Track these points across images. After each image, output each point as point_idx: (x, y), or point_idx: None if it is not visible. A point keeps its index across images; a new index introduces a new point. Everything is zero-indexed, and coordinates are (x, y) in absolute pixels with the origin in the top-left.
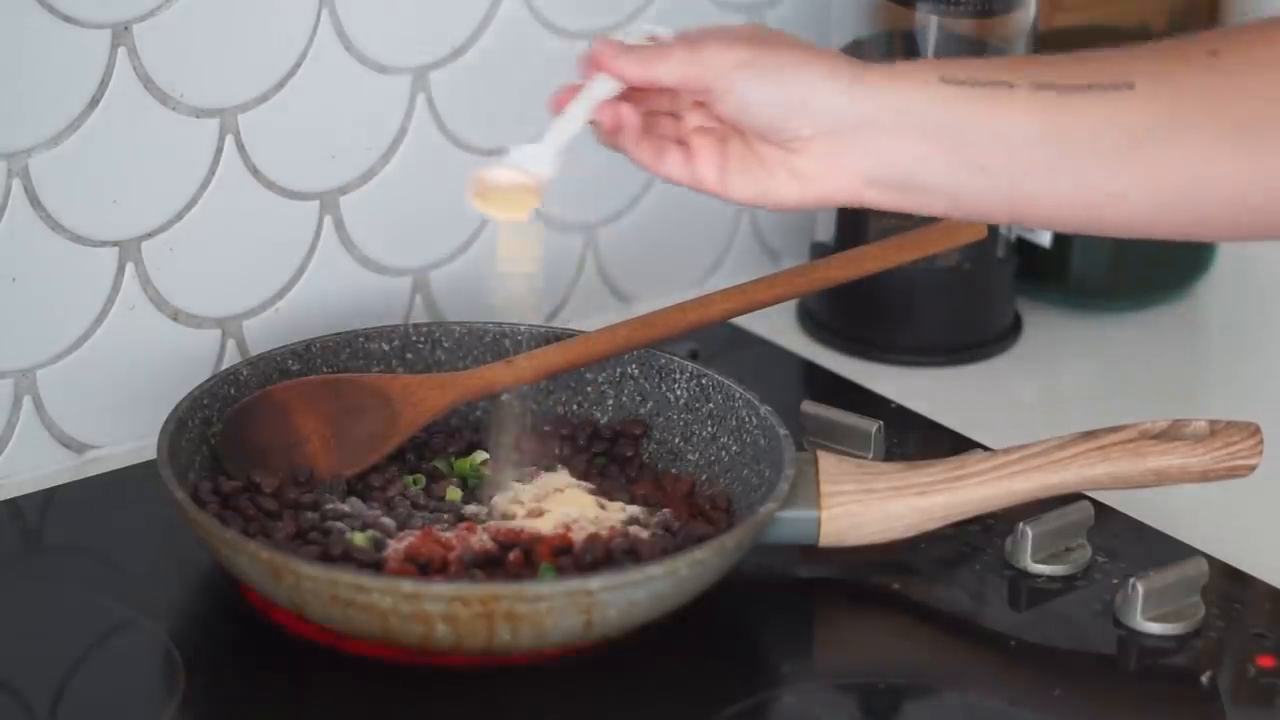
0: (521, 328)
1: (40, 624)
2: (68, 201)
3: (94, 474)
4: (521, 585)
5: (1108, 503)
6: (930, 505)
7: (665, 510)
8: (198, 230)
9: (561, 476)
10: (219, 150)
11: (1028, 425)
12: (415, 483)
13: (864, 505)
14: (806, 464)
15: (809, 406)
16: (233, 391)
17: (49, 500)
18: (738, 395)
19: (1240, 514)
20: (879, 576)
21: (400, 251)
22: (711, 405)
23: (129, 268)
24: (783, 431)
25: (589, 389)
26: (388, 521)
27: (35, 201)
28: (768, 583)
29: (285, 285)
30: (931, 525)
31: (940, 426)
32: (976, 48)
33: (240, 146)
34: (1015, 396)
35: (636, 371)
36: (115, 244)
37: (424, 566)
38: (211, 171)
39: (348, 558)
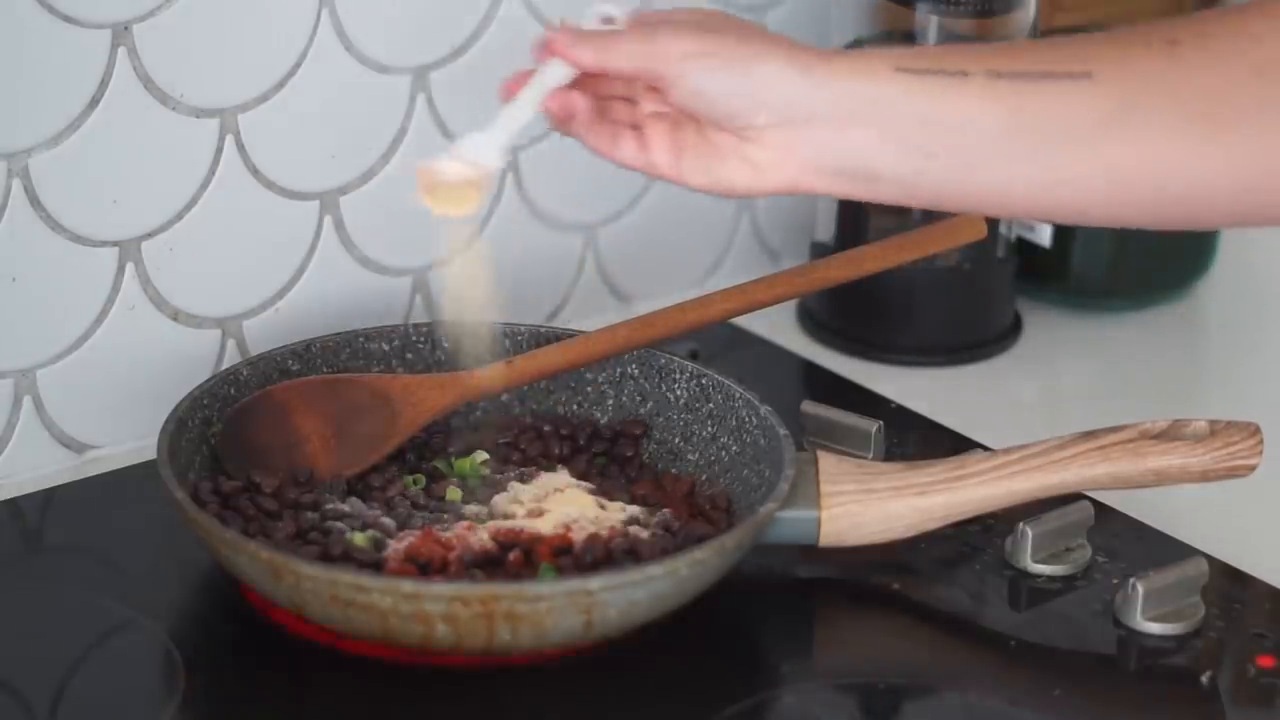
0: (521, 328)
1: (40, 624)
2: (68, 201)
3: (94, 474)
4: (521, 585)
5: (1108, 503)
6: (930, 505)
7: (665, 510)
8: (198, 230)
9: (561, 476)
10: (219, 150)
11: (1028, 425)
12: (415, 483)
13: (864, 505)
14: (806, 464)
15: (809, 406)
16: (233, 391)
17: (49, 500)
18: (738, 395)
19: (1240, 514)
20: (879, 576)
21: (400, 251)
22: (711, 405)
23: (129, 268)
24: (783, 431)
25: (589, 389)
26: (388, 521)
27: (35, 201)
28: (768, 583)
29: (285, 285)
30: (931, 525)
31: (940, 426)
32: None
33: (240, 146)
34: (1015, 396)
35: (636, 371)
36: (115, 244)
37: (424, 566)
38: (211, 171)
39: (348, 558)
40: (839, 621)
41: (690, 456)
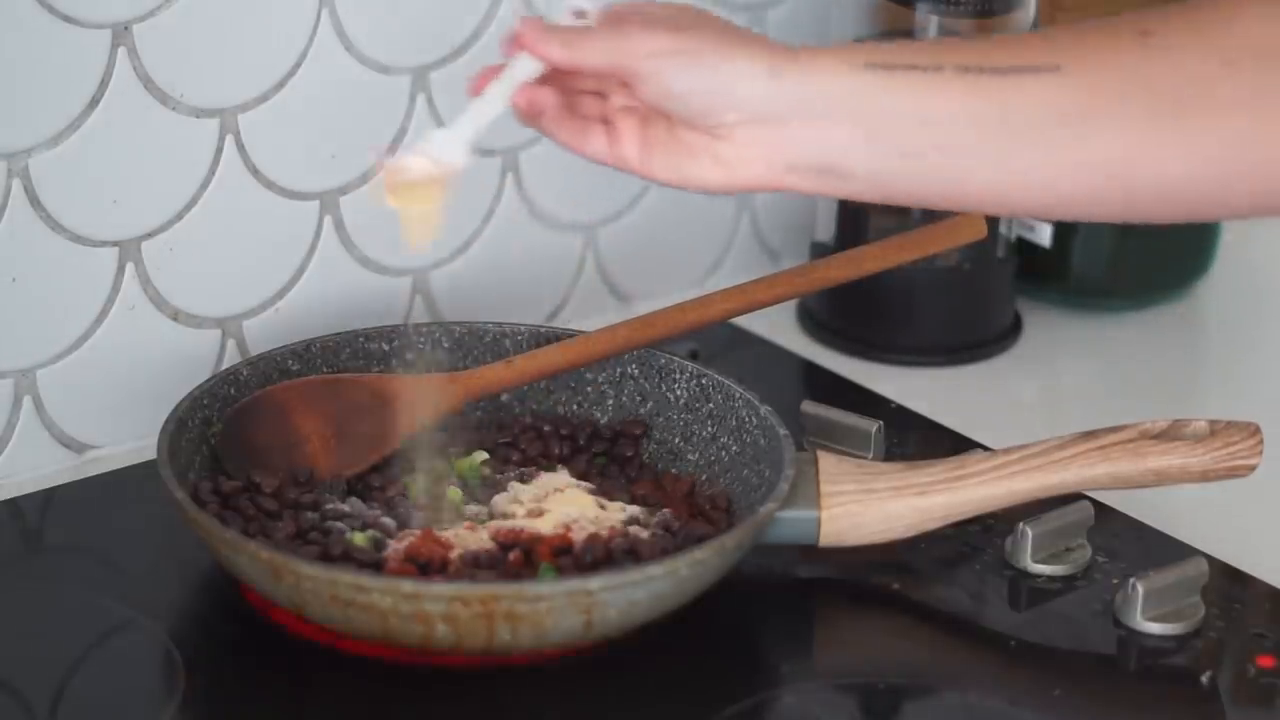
0: (521, 328)
1: (40, 624)
2: (68, 201)
3: (94, 474)
4: (521, 585)
5: (1108, 503)
6: (930, 505)
7: (665, 510)
8: (198, 230)
9: (561, 476)
10: (219, 150)
11: (1028, 425)
12: (415, 483)
13: (864, 505)
14: (806, 464)
15: (809, 406)
16: (233, 391)
17: (49, 500)
18: (738, 395)
19: (1240, 514)
20: (879, 576)
21: (400, 251)
22: (711, 405)
23: (129, 268)
24: (783, 431)
25: (589, 389)
26: (388, 521)
27: (35, 201)
28: (768, 583)
29: (285, 285)
30: (931, 525)
31: (940, 426)
32: None
33: (240, 146)
34: (1015, 396)
35: (636, 371)
36: (115, 244)
37: (424, 566)
38: (211, 171)
39: (348, 558)
40: (839, 621)
41: (690, 456)
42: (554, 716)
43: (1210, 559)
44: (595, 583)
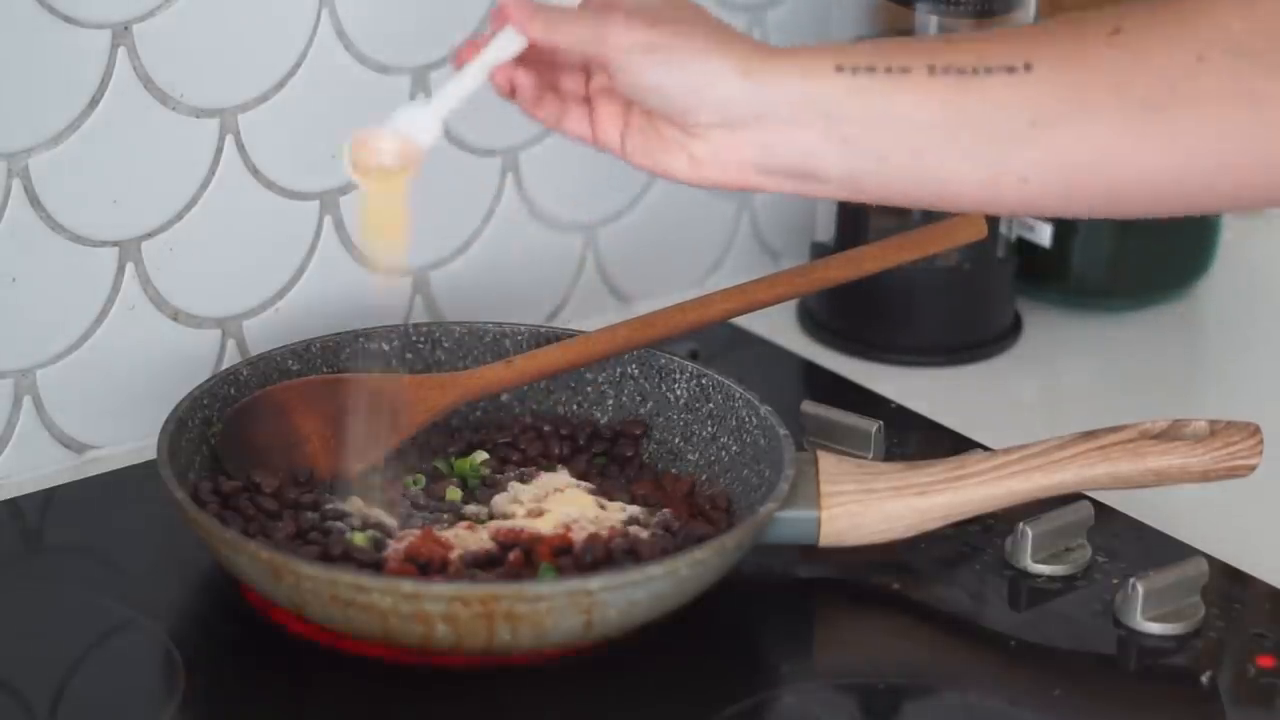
0: (521, 328)
1: (40, 624)
2: (68, 201)
3: (94, 474)
4: (521, 585)
5: (1108, 503)
6: (930, 505)
7: (665, 510)
8: (198, 230)
9: (561, 476)
10: (219, 150)
11: (1028, 425)
12: (415, 483)
13: (864, 505)
14: (806, 464)
15: (809, 406)
16: (233, 391)
17: (49, 500)
18: (738, 395)
19: (1240, 514)
20: (879, 576)
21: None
22: (711, 405)
23: (129, 268)
24: (783, 431)
25: (589, 389)
26: (388, 521)
27: (35, 201)
28: (768, 583)
29: (285, 285)
30: (931, 525)
31: (940, 426)
32: None
33: (240, 146)
34: (1015, 396)
35: (636, 371)
36: (115, 244)
37: (424, 566)
38: (211, 171)
39: (348, 558)
40: (839, 621)
41: (690, 456)
42: (554, 716)
43: (1210, 559)
44: (595, 583)
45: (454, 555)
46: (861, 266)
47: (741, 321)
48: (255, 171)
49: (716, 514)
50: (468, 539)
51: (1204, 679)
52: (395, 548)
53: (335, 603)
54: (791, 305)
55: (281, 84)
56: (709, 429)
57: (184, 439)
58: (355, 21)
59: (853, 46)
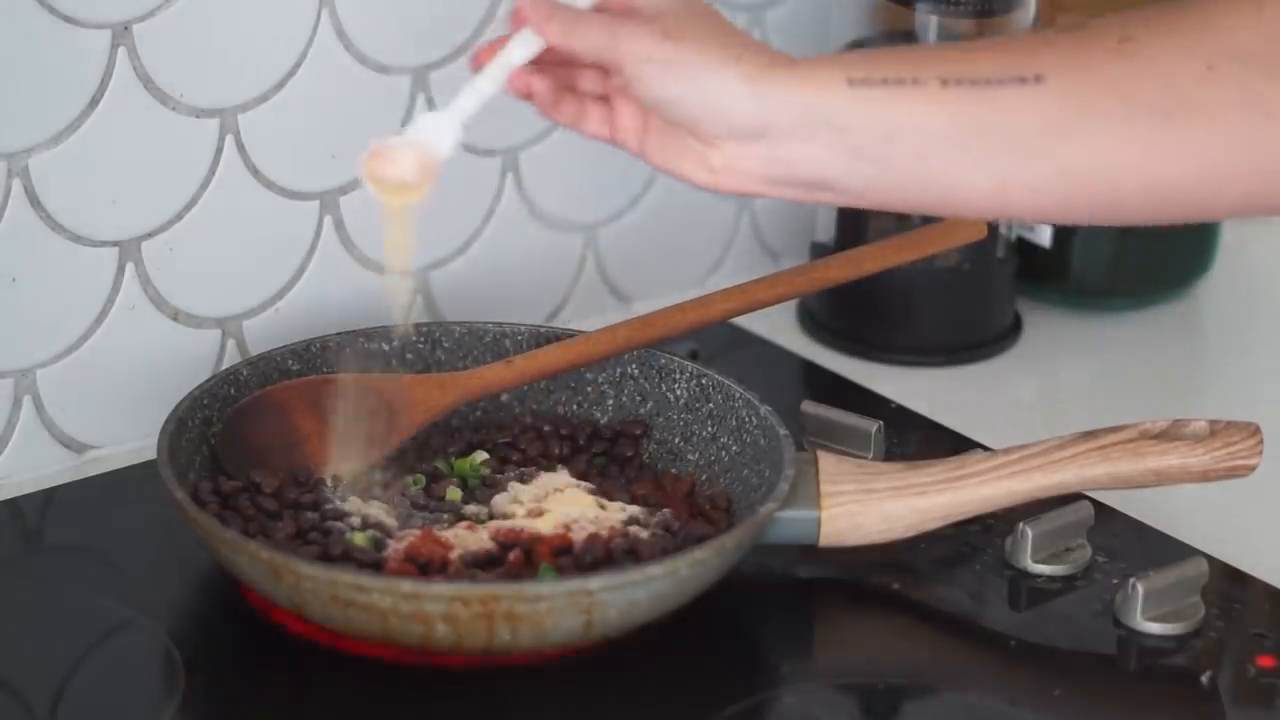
0: (521, 328)
1: (40, 624)
2: (68, 201)
3: (94, 474)
4: (521, 585)
5: (1108, 503)
6: (930, 505)
7: (665, 510)
8: (198, 230)
9: (561, 476)
10: (219, 150)
11: (1028, 425)
12: (415, 483)
13: (864, 505)
14: (806, 464)
15: (809, 406)
16: (233, 391)
17: (49, 500)
18: (738, 395)
19: (1240, 514)
20: (879, 576)
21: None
22: (711, 405)
23: (129, 268)
24: (783, 431)
25: (589, 389)
26: (388, 521)
27: (35, 201)
28: (768, 583)
29: (285, 285)
30: (931, 525)
31: (940, 426)
32: None
33: (240, 146)
34: (1015, 396)
35: (636, 371)
36: (115, 244)
37: (424, 566)
38: (211, 171)
39: (348, 558)
40: (839, 621)
41: (690, 456)
42: (554, 716)
43: (1210, 559)
44: (595, 583)
45: (454, 555)
46: (861, 266)
47: (741, 321)
48: (255, 171)
49: (716, 514)
50: (468, 539)
51: (1204, 679)
52: (395, 548)
53: (335, 603)
54: (791, 305)
55: (281, 84)
56: (709, 429)
57: (184, 439)
58: (355, 21)
59: (862, 57)
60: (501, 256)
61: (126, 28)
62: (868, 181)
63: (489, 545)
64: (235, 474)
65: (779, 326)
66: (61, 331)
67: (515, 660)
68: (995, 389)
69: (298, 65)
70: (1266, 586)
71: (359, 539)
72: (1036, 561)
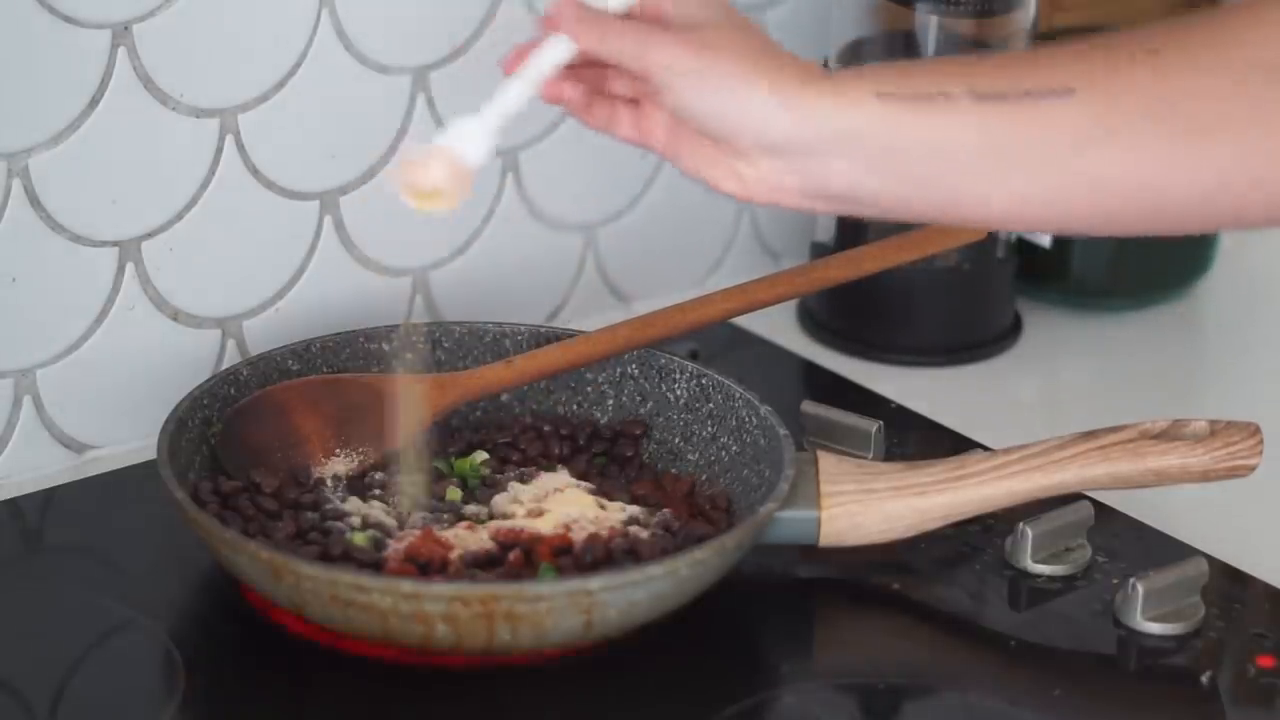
0: (522, 328)
1: (40, 624)
2: (68, 201)
3: (94, 474)
4: (521, 585)
5: (1108, 503)
6: (930, 505)
7: (665, 510)
8: (198, 230)
9: (561, 476)
10: (219, 150)
11: (1028, 425)
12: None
13: (864, 505)
14: (806, 464)
15: (809, 406)
16: (233, 391)
17: (49, 500)
18: (738, 395)
19: (1240, 514)
20: (879, 576)
21: (400, 251)
22: (711, 405)
23: (129, 268)
24: (783, 431)
25: (589, 389)
26: (388, 521)
27: (35, 201)
28: (768, 583)
29: (285, 285)
30: (931, 525)
31: (940, 426)
32: (977, 48)
33: (240, 146)
34: (1015, 396)
35: (636, 371)
36: (115, 244)
37: (424, 566)
38: (211, 171)
39: (348, 558)
40: (839, 621)
41: (690, 456)
42: (554, 716)
43: (1210, 559)
44: (595, 583)
45: (454, 555)
46: (861, 266)
47: (741, 321)
48: (255, 171)
49: (716, 514)
50: (468, 539)
51: (1204, 679)
52: (395, 548)
53: (335, 603)
54: (791, 305)
55: (281, 84)
56: (709, 429)
57: (184, 439)
58: (355, 21)
59: (891, 70)
60: (501, 256)
61: (126, 28)
62: (898, 195)
63: (489, 545)
64: (235, 474)
65: (779, 326)
66: (61, 331)
67: (515, 660)
68: (995, 389)
69: (298, 65)
70: (1266, 586)
71: (359, 539)
72: (1036, 561)
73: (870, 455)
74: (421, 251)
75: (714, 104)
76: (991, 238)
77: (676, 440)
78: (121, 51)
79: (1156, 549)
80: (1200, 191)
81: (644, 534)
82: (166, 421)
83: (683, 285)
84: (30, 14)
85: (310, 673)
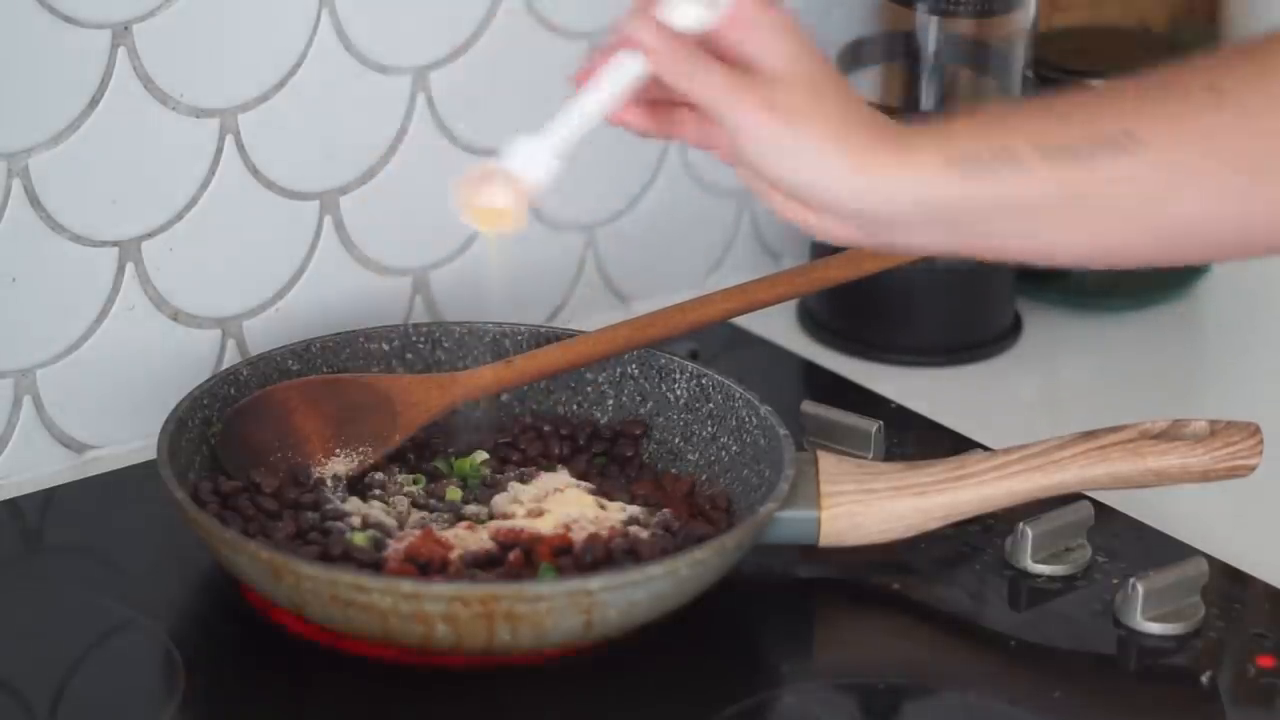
0: (521, 328)
1: (40, 624)
2: (68, 201)
3: (94, 474)
4: (521, 585)
5: (1108, 503)
6: (930, 505)
7: (665, 510)
8: (198, 230)
9: (561, 476)
10: (219, 150)
11: (1028, 425)
12: (415, 483)
13: (864, 505)
14: (806, 464)
15: (809, 406)
16: (233, 391)
17: (49, 500)
18: (738, 395)
19: (1240, 514)
20: (879, 576)
21: (400, 251)
22: (711, 405)
23: (129, 268)
24: (783, 431)
25: (589, 389)
26: (388, 521)
27: (35, 201)
28: (768, 583)
29: (285, 285)
30: (931, 525)
31: (940, 426)
32: (977, 47)
33: (240, 146)
34: (1015, 396)
35: (636, 371)
36: (115, 244)
37: (424, 566)
38: (211, 171)
39: (348, 558)
40: (839, 621)
41: (690, 456)
42: (554, 716)
43: (1210, 559)
44: (595, 583)
45: (454, 555)
46: (861, 266)
47: (741, 321)
48: (255, 171)
49: (716, 514)
50: (468, 539)
51: (1204, 679)
52: (395, 548)
53: (335, 603)
54: (791, 305)
55: (281, 84)
56: (709, 429)
57: (184, 439)
58: (355, 21)
59: (959, 127)
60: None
61: (126, 28)
62: (973, 248)
63: (489, 545)
64: (235, 474)
65: (779, 326)
66: (61, 331)
67: (515, 660)
68: (995, 389)
69: (298, 65)
70: (1266, 586)
71: (359, 539)
72: (1036, 561)
73: (870, 455)
74: (421, 251)
75: (788, 171)
76: None
77: (676, 440)
78: (121, 51)
79: (1156, 549)
80: (1263, 229)
81: (644, 534)
82: (166, 421)
83: (683, 285)
84: (30, 14)
85: (310, 673)
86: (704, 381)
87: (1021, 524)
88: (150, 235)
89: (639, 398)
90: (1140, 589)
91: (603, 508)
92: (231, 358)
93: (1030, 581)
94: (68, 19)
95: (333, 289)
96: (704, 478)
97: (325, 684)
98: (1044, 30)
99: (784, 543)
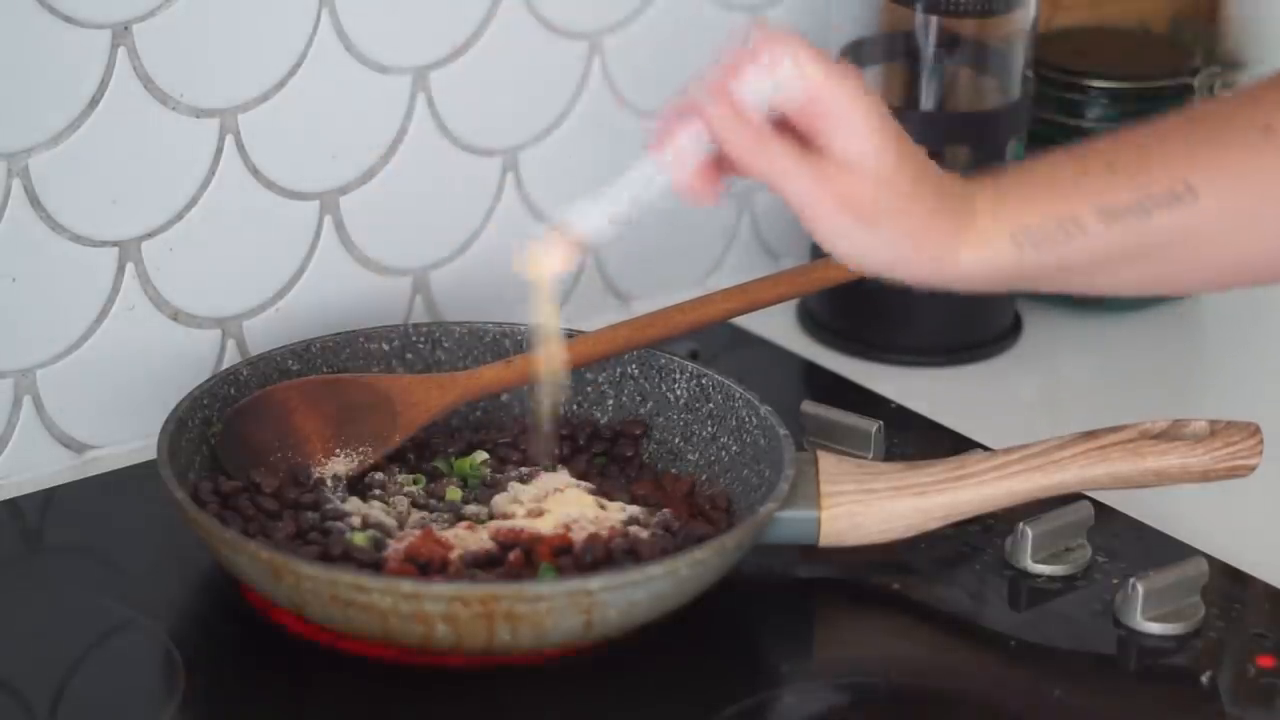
0: (521, 328)
1: (40, 624)
2: (68, 201)
3: (94, 474)
4: (521, 585)
5: (1108, 503)
6: (930, 505)
7: (665, 510)
8: (198, 230)
9: (561, 476)
10: (219, 150)
11: (1028, 425)
12: (415, 483)
13: (864, 505)
14: (806, 464)
15: (809, 406)
16: (233, 391)
17: (49, 500)
18: (738, 395)
19: (1240, 514)
20: (879, 576)
21: (400, 251)
22: (711, 405)
23: (129, 268)
24: (783, 431)
25: (589, 389)
26: (388, 521)
27: (35, 201)
28: (768, 583)
29: (285, 285)
30: (931, 525)
31: (940, 426)
32: (977, 47)
33: (240, 146)
34: (1015, 396)
35: (636, 371)
36: (115, 244)
37: (424, 566)
38: (211, 171)
39: (348, 558)
40: (839, 621)
41: (690, 456)
42: (554, 716)
43: (1210, 559)
44: (595, 583)
45: (454, 555)
46: None
47: (741, 321)
48: (255, 171)
49: (716, 514)
50: (468, 539)
51: (1204, 679)
52: (395, 548)
53: (335, 603)
54: (791, 305)
55: (281, 84)
56: (709, 429)
57: (184, 439)
58: (355, 21)
59: (1020, 196)
60: (501, 256)
61: (126, 28)
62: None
63: (489, 545)
64: (235, 474)
65: (779, 326)
66: (61, 331)
67: (515, 660)
68: (995, 389)
69: (298, 65)
70: (1266, 586)
71: (359, 539)
72: (1036, 561)
73: (870, 455)
74: (421, 251)
75: (857, 255)
76: None
77: (676, 440)
78: (121, 51)
79: (1156, 549)
80: None
81: (644, 534)
82: (166, 421)
83: (683, 285)
84: (30, 14)
85: (310, 673)
86: (704, 381)
87: (1021, 524)
88: (150, 235)
89: (639, 398)
90: (1140, 589)
91: (603, 508)
92: (231, 358)
93: (1030, 581)
94: (68, 19)
95: (333, 289)
96: (704, 478)
97: (325, 684)
98: (1044, 30)
99: (784, 543)
